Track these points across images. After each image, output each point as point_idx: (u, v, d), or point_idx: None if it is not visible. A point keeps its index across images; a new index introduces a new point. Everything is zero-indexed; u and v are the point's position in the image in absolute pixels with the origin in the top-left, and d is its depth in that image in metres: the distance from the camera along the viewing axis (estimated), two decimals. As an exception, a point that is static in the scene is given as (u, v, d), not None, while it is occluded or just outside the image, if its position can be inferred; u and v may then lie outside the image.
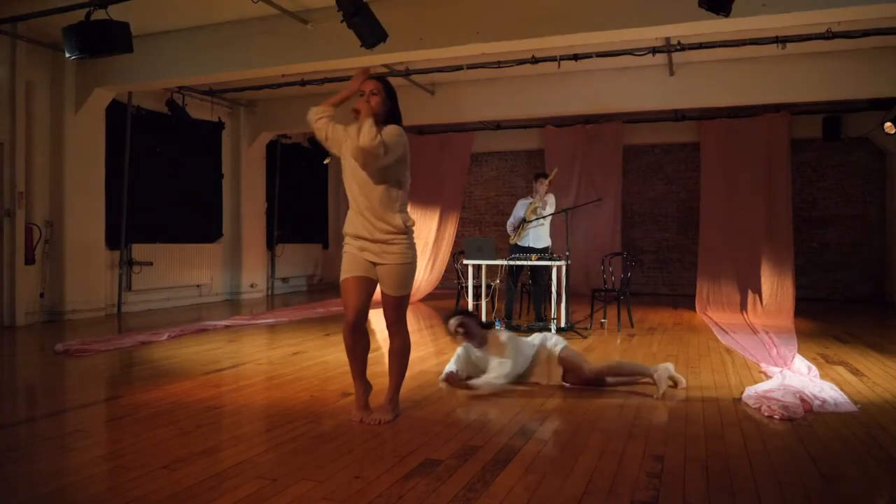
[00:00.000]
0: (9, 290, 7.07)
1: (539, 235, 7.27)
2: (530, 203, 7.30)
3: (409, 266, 3.37)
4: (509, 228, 7.45)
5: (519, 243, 7.29)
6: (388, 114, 3.37)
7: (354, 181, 3.34)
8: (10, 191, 7.08)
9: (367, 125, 3.16)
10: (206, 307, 9.22)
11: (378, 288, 3.40)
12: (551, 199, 7.36)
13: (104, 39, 5.53)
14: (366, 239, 3.32)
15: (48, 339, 6.17)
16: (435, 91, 9.42)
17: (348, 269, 3.36)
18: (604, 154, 11.00)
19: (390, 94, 3.40)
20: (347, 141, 3.37)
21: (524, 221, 7.23)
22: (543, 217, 7.19)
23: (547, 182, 7.32)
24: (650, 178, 11.45)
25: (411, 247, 3.39)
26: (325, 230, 12.77)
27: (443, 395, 4.04)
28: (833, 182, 10.49)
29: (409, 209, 3.49)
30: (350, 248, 3.38)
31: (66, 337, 6.21)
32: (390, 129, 3.30)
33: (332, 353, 5.48)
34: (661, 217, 11.40)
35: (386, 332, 3.50)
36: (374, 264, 3.34)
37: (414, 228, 3.47)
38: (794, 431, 3.29)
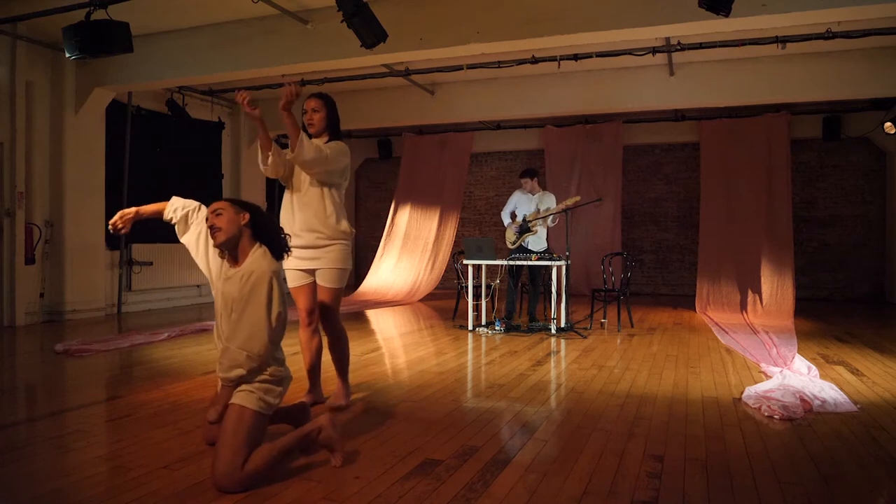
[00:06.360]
0: (9, 290, 7.07)
1: (538, 236, 7.25)
2: (530, 212, 7.25)
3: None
4: (506, 223, 7.40)
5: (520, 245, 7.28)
6: (332, 129, 3.67)
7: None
8: (10, 191, 7.09)
9: (305, 141, 3.42)
10: (207, 307, 9.20)
11: (315, 286, 3.88)
12: (551, 198, 7.32)
13: (104, 39, 5.54)
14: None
15: (48, 339, 6.18)
16: (435, 91, 9.42)
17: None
18: (604, 154, 10.99)
19: (332, 109, 3.68)
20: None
21: (527, 229, 7.17)
22: (546, 216, 7.16)
23: (535, 181, 7.32)
24: (650, 178, 11.44)
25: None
26: (325, 230, 12.75)
27: (443, 395, 4.04)
28: (833, 182, 10.49)
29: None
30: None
31: (66, 337, 6.21)
32: (335, 146, 3.58)
33: (332, 353, 5.46)
34: (661, 217, 11.40)
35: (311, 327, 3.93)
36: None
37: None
38: (794, 431, 3.29)
